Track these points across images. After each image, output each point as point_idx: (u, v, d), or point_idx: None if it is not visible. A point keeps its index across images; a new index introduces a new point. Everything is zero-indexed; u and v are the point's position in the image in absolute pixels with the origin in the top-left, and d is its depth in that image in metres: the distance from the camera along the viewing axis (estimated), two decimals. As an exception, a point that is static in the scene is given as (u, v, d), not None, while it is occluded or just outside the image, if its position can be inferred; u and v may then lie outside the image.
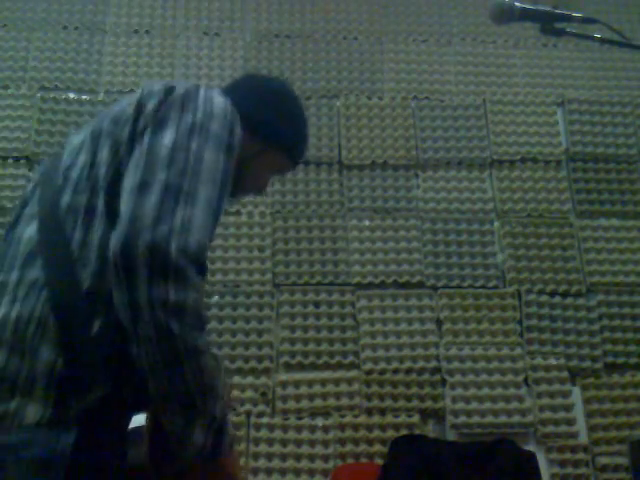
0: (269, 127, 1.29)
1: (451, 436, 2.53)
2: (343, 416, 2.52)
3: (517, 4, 1.45)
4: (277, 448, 2.48)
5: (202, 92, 1.06)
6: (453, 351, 2.63)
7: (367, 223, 2.80)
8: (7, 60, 2.98)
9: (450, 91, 3.06)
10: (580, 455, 2.51)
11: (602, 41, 1.58)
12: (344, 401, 2.55)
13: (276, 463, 2.46)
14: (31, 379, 0.91)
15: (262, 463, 2.46)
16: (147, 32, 3.08)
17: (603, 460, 2.51)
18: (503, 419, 2.54)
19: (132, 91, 2.93)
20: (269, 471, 2.45)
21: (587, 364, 2.64)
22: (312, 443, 2.49)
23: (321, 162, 2.88)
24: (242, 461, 2.41)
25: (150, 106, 1.02)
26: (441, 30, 3.18)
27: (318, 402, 2.54)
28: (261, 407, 2.52)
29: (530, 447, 2.46)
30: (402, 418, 2.53)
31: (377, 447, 2.49)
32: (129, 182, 0.94)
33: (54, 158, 1.13)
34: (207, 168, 0.97)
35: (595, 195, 2.90)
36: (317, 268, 2.72)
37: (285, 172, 1.46)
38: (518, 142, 2.96)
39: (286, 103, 1.35)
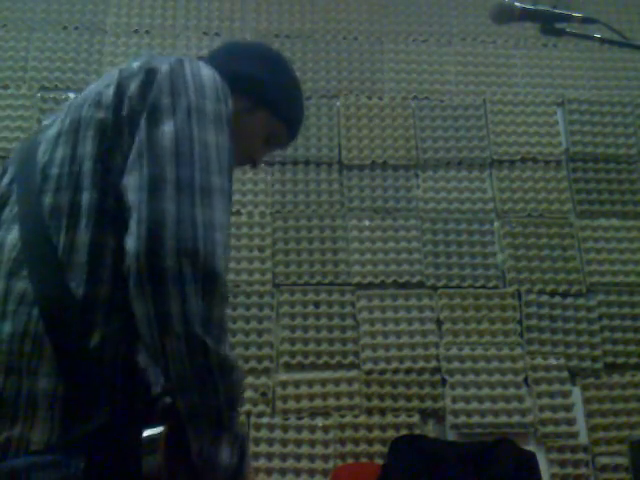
0: (254, 81, 1.22)
1: (451, 436, 2.53)
2: (343, 416, 2.52)
3: (517, 4, 1.45)
4: (277, 448, 2.48)
5: (188, 68, 0.99)
6: (453, 351, 2.63)
7: (367, 223, 2.80)
8: (7, 60, 2.98)
9: (450, 91, 3.06)
10: (580, 455, 2.51)
11: (602, 41, 1.58)
12: (344, 401, 2.55)
13: (276, 463, 2.46)
14: (32, 402, 0.85)
15: (262, 463, 2.46)
16: (147, 32, 3.08)
17: (603, 460, 2.51)
18: (503, 419, 2.54)
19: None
20: (269, 471, 2.45)
21: (587, 364, 2.64)
22: (312, 443, 2.49)
23: (321, 162, 2.88)
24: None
25: (133, 88, 0.95)
26: (441, 30, 3.18)
27: (318, 402, 2.54)
28: (261, 407, 2.52)
29: (530, 447, 2.46)
30: (402, 418, 2.53)
31: (377, 447, 2.49)
32: (134, 179, 0.88)
33: (28, 149, 1.04)
34: (214, 154, 0.92)
35: (595, 195, 2.90)
36: (317, 268, 2.72)
37: (281, 142, 1.36)
38: (518, 142, 2.96)
39: (272, 60, 1.29)
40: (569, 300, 2.73)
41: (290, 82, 1.31)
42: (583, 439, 2.54)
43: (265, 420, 2.50)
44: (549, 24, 1.46)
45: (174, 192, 0.86)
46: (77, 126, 0.98)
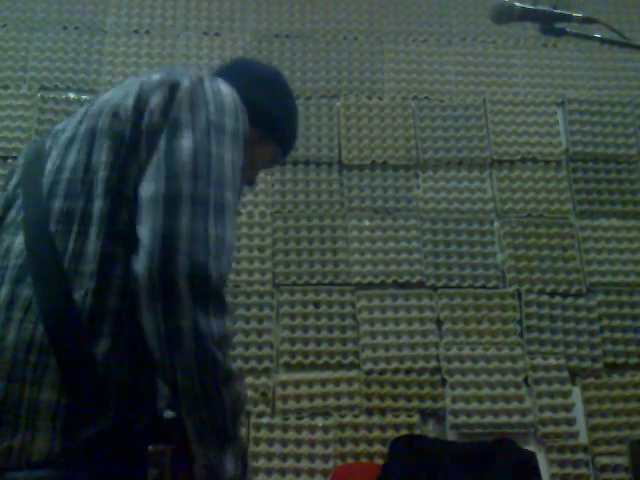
0: (267, 117, 1.26)
1: (451, 436, 2.53)
2: (343, 416, 2.52)
3: (517, 4, 1.45)
4: (277, 448, 2.48)
5: (208, 85, 1.01)
6: (453, 351, 2.63)
7: (367, 223, 2.80)
8: (7, 60, 2.98)
9: (450, 91, 3.06)
10: (580, 455, 2.51)
11: (602, 41, 1.58)
12: (344, 401, 2.55)
13: (276, 463, 2.46)
14: (34, 412, 0.85)
15: (262, 463, 2.46)
16: (147, 32, 3.08)
17: (603, 460, 2.51)
18: (503, 419, 2.54)
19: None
20: (269, 471, 2.45)
21: (587, 364, 2.64)
22: (312, 443, 2.49)
23: (321, 162, 2.88)
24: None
25: (155, 102, 0.96)
26: (441, 30, 3.18)
27: (318, 402, 2.54)
28: (261, 407, 2.52)
29: (530, 447, 2.46)
30: (402, 418, 2.53)
31: (377, 447, 2.49)
32: (150, 191, 0.88)
33: (35, 152, 1.04)
34: (229, 172, 0.94)
35: (595, 195, 2.90)
36: (317, 268, 2.71)
37: (274, 165, 1.43)
38: (518, 142, 2.96)
39: (281, 93, 1.33)
40: (569, 300, 2.73)
41: (294, 113, 1.37)
42: (583, 439, 2.54)
43: (265, 420, 2.50)
44: (549, 24, 1.45)
45: (189, 208, 0.87)
46: (93, 134, 0.98)
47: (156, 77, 1.01)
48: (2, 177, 2.76)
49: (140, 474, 0.85)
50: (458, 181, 2.89)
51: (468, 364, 2.61)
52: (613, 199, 2.91)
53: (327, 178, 2.86)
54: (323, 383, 2.57)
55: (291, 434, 2.50)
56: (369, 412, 2.54)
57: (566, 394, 2.59)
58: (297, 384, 2.56)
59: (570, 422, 2.55)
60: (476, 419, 2.53)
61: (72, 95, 2.94)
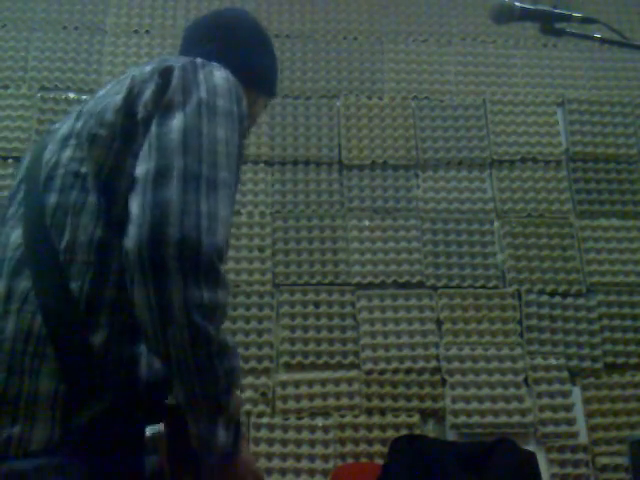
0: (258, 74, 1.30)
1: (451, 436, 2.53)
2: (343, 416, 2.52)
3: (517, 4, 1.45)
4: (277, 448, 2.48)
5: (200, 68, 1.01)
6: (453, 351, 2.63)
7: (367, 223, 2.80)
8: (7, 60, 2.98)
9: (450, 91, 3.06)
10: (580, 455, 2.51)
11: (602, 41, 1.58)
12: (344, 401, 2.55)
13: (276, 463, 2.46)
14: (32, 401, 0.86)
15: (262, 463, 2.46)
16: (147, 32, 3.08)
17: (603, 460, 2.51)
18: (503, 419, 2.54)
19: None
20: (269, 471, 2.45)
21: (587, 364, 2.64)
22: (312, 443, 2.49)
23: (321, 162, 2.88)
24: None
25: (148, 93, 0.96)
26: (441, 30, 3.18)
27: (318, 402, 2.54)
28: (261, 407, 2.52)
29: (530, 447, 2.46)
30: (402, 418, 2.53)
31: (377, 447, 2.49)
32: (142, 170, 0.89)
33: (37, 151, 1.06)
34: (223, 150, 0.93)
35: (595, 195, 2.90)
36: (317, 268, 2.72)
37: (265, 106, 1.43)
38: (518, 142, 2.96)
39: (253, 41, 1.32)
40: (569, 300, 2.73)
41: (271, 57, 1.37)
42: (583, 439, 2.54)
43: (265, 420, 2.50)
44: (549, 24, 1.45)
45: (180, 182, 0.86)
46: (88, 131, 0.99)
47: (148, 68, 1.01)
48: (2, 177, 2.76)
49: (138, 459, 0.86)
50: (458, 181, 2.89)
51: (468, 364, 2.61)
52: (613, 199, 2.91)
53: (327, 178, 2.86)
54: (323, 383, 2.57)
55: (291, 434, 2.50)
56: (369, 412, 2.54)
57: (566, 394, 2.59)
58: (297, 384, 2.56)
59: (570, 422, 2.55)
60: (476, 419, 2.53)
61: (72, 95, 2.94)
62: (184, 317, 0.82)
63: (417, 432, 2.49)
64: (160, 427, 0.88)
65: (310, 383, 2.57)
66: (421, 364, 2.60)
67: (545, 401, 2.57)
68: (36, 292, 0.88)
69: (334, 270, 2.72)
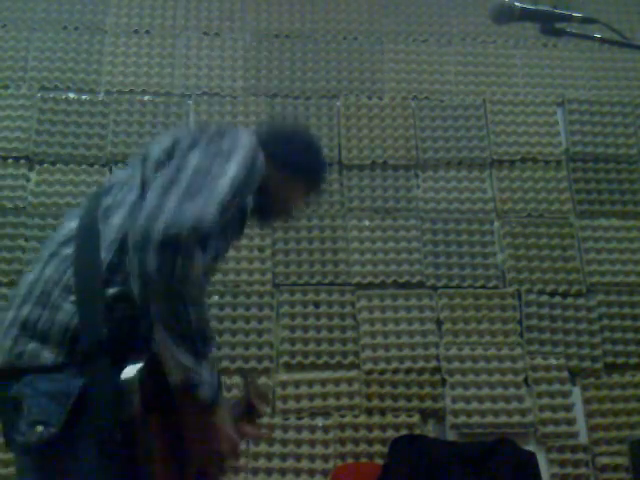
0: (291, 162, 1.49)
1: (451, 436, 2.53)
2: (343, 416, 2.52)
3: (517, 4, 1.45)
4: (277, 448, 2.48)
5: (232, 129, 1.25)
6: (453, 351, 2.63)
7: (367, 223, 2.80)
8: (7, 60, 2.98)
9: (450, 91, 3.06)
10: (580, 455, 2.51)
11: (602, 41, 1.58)
12: (344, 401, 2.55)
13: (276, 463, 2.46)
14: (48, 329, 1.10)
15: (262, 463, 2.46)
16: (147, 32, 3.08)
17: (603, 460, 2.51)
18: (503, 419, 2.54)
19: (132, 91, 2.94)
20: (269, 471, 2.45)
21: (587, 364, 2.64)
22: (312, 443, 2.49)
23: (321, 162, 2.88)
24: (241, 455, 2.42)
25: (184, 142, 1.21)
26: (441, 30, 3.18)
27: (318, 402, 2.54)
28: (261, 407, 2.52)
29: (530, 447, 2.47)
30: (402, 418, 2.53)
31: (377, 447, 2.49)
32: (156, 184, 1.13)
33: (93, 196, 1.32)
34: (224, 184, 1.13)
35: (595, 195, 2.90)
36: (317, 268, 2.72)
37: (310, 197, 1.62)
38: (518, 142, 2.96)
39: (304, 142, 1.56)
40: (569, 300, 2.73)
41: (318, 158, 1.59)
42: (583, 439, 2.54)
43: (265, 420, 2.50)
44: (549, 24, 1.45)
45: (177, 193, 1.09)
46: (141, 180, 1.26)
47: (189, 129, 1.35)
48: (2, 177, 2.76)
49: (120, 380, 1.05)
50: (458, 181, 2.89)
51: (468, 364, 2.61)
52: (613, 199, 2.91)
53: (327, 178, 2.86)
54: (323, 383, 2.57)
55: (291, 434, 2.50)
56: (369, 412, 2.54)
57: (566, 394, 2.59)
58: (297, 384, 2.56)
59: (570, 422, 2.55)
60: (476, 419, 2.53)
61: (72, 95, 2.93)
62: (159, 281, 1.04)
63: (417, 432, 2.49)
64: (138, 366, 1.05)
65: (310, 383, 2.57)
66: (421, 364, 2.60)
67: (545, 401, 2.57)
68: (75, 255, 1.16)
69: (334, 270, 2.72)
